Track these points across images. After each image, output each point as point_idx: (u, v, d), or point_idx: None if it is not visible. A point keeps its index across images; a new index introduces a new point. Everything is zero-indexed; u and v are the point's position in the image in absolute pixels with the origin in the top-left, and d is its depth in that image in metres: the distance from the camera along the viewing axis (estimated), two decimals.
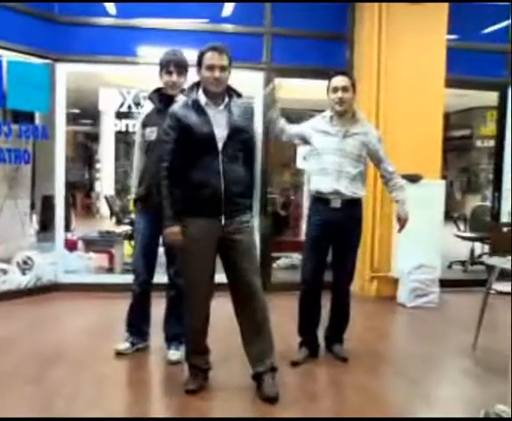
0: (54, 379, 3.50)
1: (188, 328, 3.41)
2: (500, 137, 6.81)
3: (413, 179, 5.87)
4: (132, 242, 6.73)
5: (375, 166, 3.99)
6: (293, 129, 3.97)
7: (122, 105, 5.84)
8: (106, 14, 5.92)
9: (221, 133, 3.22)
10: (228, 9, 6.17)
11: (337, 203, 3.73)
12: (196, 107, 3.24)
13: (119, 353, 3.92)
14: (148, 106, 3.97)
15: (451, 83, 6.11)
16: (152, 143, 3.79)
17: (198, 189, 3.19)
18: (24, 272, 5.58)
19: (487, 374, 3.81)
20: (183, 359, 3.59)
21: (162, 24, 5.92)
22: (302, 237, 4.50)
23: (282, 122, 3.92)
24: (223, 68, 3.21)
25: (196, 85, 3.33)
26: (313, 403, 3.32)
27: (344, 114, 3.79)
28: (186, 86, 3.61)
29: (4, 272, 5.49)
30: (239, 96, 3.38)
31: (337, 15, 6.19)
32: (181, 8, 5.90)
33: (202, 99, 3.26)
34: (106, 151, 13.43)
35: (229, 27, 6.08)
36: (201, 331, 3.38)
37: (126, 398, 3.42)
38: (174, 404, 3.25)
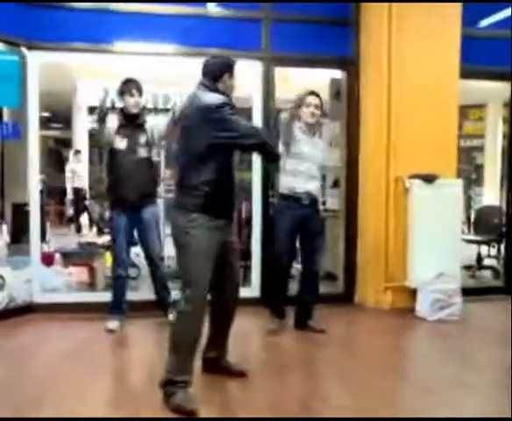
0: None
1: None
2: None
3: (428, 179, 5.35)
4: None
5: None
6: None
7: (104, 100, 5.15)
8: None
9: None
10: None
11: (306, 201, 4.52)
12: None
13: (111, 331, 4.48)
14: (115, 121, 4.59)
15: (465, 74, 5.58)
16: (122, 152, 4.48)
17: None
18: None
19: None
20: None
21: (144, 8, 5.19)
22: None
23: None
24: None
25: None
26: None
27: (313, 126, 4.61)
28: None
29: None
30: None
31: None
32: None
33: None
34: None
35: (220, 11, 5.44)
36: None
37: None
38: None
